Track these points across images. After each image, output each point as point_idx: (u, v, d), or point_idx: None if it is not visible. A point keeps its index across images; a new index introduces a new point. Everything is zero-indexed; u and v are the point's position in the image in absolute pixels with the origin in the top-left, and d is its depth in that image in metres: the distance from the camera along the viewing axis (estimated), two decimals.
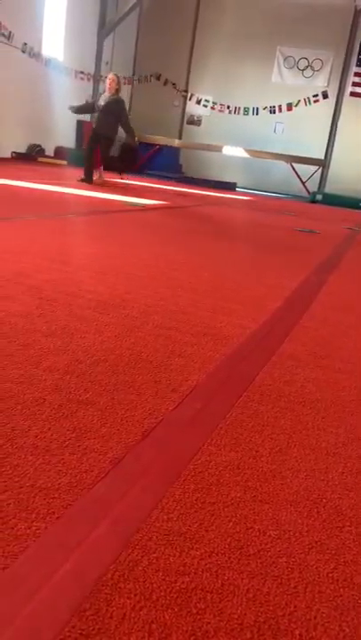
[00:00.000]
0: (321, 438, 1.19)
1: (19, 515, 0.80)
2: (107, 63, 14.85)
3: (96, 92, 15.04)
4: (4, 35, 11.00)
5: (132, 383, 1.32)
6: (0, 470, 0.90)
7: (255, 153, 14.62)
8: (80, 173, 8.18)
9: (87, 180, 8.04)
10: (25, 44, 11.61)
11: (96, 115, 8.38)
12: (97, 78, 14.50)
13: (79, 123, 14.46)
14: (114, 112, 8.07)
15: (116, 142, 8.59)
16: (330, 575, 0.78)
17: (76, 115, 12.27)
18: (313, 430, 1.22)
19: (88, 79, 14.43)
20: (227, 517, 0.87)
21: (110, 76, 8.26)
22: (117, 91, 8.14)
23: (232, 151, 14.84)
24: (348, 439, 1.21)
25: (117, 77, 8.15)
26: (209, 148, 15.13)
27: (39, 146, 13.03)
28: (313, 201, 13.58)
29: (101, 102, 8.18)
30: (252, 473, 1.01)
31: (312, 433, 1.21)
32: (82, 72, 14.07)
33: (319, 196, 13.77)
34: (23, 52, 11.63)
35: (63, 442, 1.01)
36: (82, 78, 14.13)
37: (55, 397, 1.19)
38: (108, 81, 8.24)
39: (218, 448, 1.07)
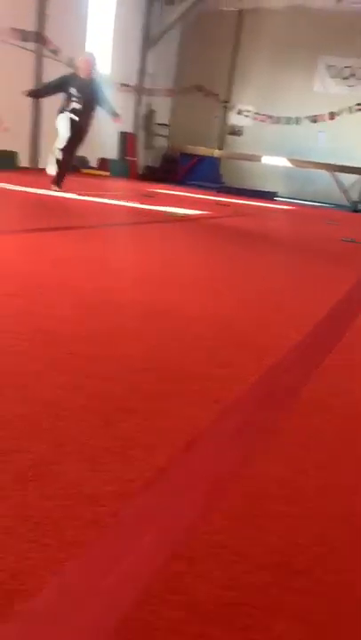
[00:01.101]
0: None
1: (66, 522, 0.81)
2: (150, 75, 15.07)
3: (138, 104, 15.26)
4: (51, 51, 11.31)
5: (175, 393, 1.32)
6: (48, 477, 0.91)
7: (297, 162, 14.53)
8: (123, 184, 8.24)
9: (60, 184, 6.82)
10: (71, 58, 11.90)
11: (74, 104, 6.60)
12: (140, 90, 14.73)
13: (122, 135, 14.70)
14: (100, 98, 6.77)
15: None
16: None
17: (116, 126, 12.42)
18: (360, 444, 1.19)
19: (131, 92, 14.67)
20: (273, 532, 0.86)
21: (86, 57, 6.80)
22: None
23: (272, 160, 14.79)
24: None
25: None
26: (249, 158, 15.13)
27: (83, 157, 13.29)
28: (355, 210, 13.39)
29: (76, 89, 6.56)
30: (298, 487, 0.99)
31: (359, 446, 1.18)
32: (125, 84, 14.31)
33: None
34: (69, 66, 11.91)
35: (108, 449, 1.02)
36: (125, 91, 14.37)
37: (100, 405, 1.20)
38: (84, 63, 6.68)
39: (263, 461, 1.06)
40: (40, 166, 11.88)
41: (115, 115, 6.96)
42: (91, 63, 6.71)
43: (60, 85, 6.75)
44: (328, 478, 1.04)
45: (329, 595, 0.75)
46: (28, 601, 0.66)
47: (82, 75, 6.66)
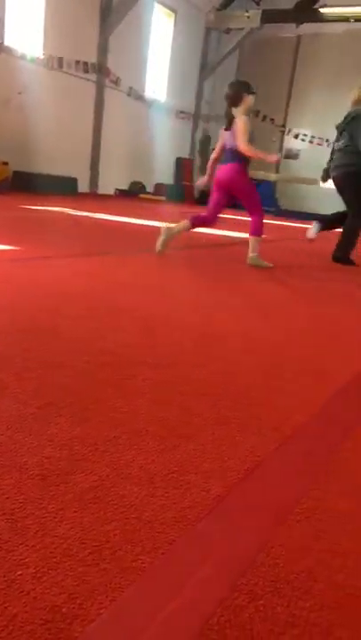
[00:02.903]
0: None
1: (125, 547, 0.80)
2: (207, 102, 15.33)
3: (195, 131, 15.51)
4: (112, 81, 11.72)
5: (234, 419, 1.30)
6: (107, 499, 0.91)
7: None
8: (176, 208, 8.27)
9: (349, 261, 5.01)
10: (130, 87, 12.30)
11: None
12: (197, 117, 15.00)
13: (178, 159, 14.96)
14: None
15: None
16: None
17: (174, 151, 12.58)
18: None
19: (188, 118, 14.95)
20: (337, 568, 0.82)
21: None
22: None
23: (329, 184, 14.65)
24: None
25: None
26: (306, 181, 15.07)
27: (140, 183, 13.61)
28: None
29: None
30: None
31: None
32: (182, 112, 14.61)
33: None
34: (128, 95, 12.31)
35: (166, 475, 1.01)
36: (182, 118, 14.66)
37: (158, 429, 1.20)
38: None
39: (325, 493, 1.02)
40: (99, 192, 12.24)
41: None
42: None
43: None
44: None
45: None
46: (86, 626, 0.66)
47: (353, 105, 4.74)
